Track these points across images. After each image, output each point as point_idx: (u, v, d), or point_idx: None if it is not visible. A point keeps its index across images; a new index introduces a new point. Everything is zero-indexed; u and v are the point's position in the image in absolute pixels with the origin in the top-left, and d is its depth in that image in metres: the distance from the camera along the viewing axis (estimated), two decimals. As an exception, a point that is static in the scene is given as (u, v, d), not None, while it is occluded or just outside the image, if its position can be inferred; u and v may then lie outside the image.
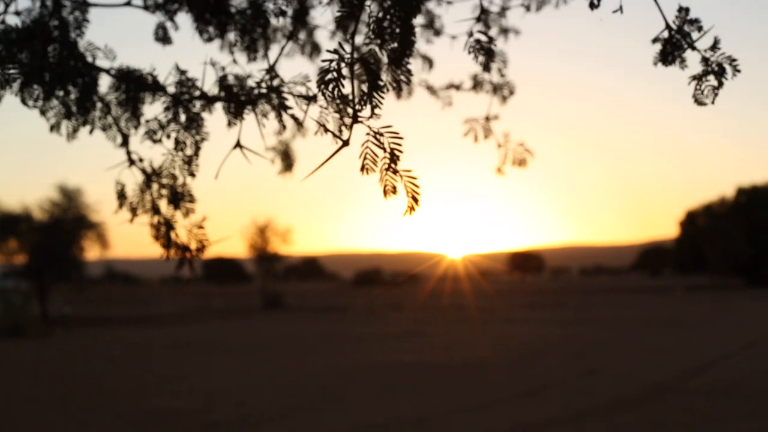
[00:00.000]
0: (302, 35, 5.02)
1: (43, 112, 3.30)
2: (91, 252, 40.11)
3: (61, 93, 3.25)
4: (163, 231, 3.38)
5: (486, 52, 2.64)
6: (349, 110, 2.16)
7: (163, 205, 3.43)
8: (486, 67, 2.68)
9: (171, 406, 12.17)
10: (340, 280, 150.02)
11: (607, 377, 14.42)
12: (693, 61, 2.75)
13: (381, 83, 2.09)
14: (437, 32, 5.06)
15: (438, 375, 15.23)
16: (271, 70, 3.07)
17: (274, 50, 5.30)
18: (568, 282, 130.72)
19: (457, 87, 5.26)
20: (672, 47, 2.73)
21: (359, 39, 3.44)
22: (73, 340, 25.99)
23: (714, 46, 2.66)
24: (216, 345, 23.05)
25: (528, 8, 4.76)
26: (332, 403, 12.30)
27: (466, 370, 15.97)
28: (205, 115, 3.33)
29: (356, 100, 2.14)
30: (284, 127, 2.95)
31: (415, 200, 2.17)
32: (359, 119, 2.15)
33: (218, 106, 3.31)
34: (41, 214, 39.07)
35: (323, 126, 2.28)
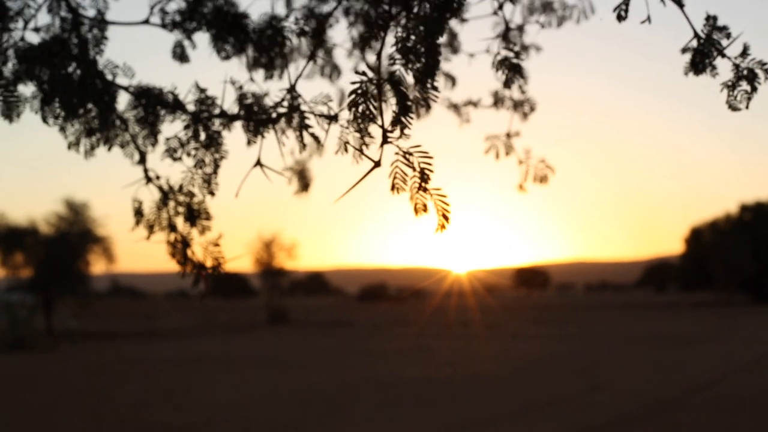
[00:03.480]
0: (320, 55, 5.06)
1: (62, 129, 3.33)
2: (97, 266, 40.15)
3: (82, 111, 3.28)
4: (180, 248, 3.40)
5: (512, 68, 2.66)
6: (372, 130, 2.19)
7: (180, 222, 3.46)
8: (507, 84, 2.71)
9: (175, 421, 12.17)
10: (346, 295, 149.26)
11: (612, 393, 14.39)
12: (723, 68, 2.79)
13: (410, 104, 2.12)
14: (455, 50, 5.09)
15: (443, 390, 15.21)
16: (292, 90, 3.11)
17: (292, 69, 5.34)
18: (573, 298, 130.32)
19: (475, 104, 5.29)
20: (702, 56, 2.76)
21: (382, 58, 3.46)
22: (78, 354, 25.98)
23: (744, 53, 2.70)
24: (221, 359, 23.03)
25: (543, 26, 4.80)
26: (336, 417, 12.29)
27: (470, 385, 15.94)
28: (223, 133, 3.36)
29: (386, 120, 2.17)
30: (304, 146, 2.98)
31: (446, 218, 2.22)
32: (389, 139, 2.18)
33: (237, 124, 3.34)
34: (47, 228, 39.10)
35: (351, 145, 2.31)
